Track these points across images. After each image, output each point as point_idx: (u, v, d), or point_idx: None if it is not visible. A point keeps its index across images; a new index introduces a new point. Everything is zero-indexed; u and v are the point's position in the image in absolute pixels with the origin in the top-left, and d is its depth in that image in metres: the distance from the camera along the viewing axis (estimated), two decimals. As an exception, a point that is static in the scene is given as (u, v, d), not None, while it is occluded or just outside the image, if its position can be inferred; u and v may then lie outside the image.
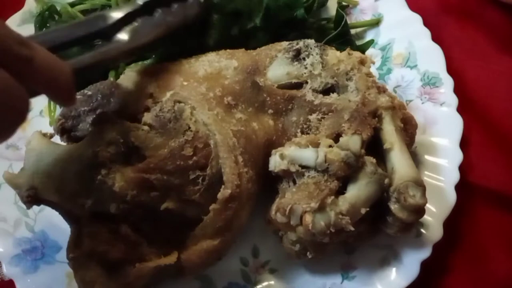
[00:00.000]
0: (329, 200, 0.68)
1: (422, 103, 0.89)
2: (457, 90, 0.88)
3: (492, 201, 0.88)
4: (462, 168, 0.83)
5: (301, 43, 0.80)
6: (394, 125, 0.75)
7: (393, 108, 0.76)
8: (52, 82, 0.50)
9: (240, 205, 0.69)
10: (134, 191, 0.67)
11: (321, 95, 0.77)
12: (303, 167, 0.71)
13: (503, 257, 0.85)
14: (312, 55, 0.79)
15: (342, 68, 0.78)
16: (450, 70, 0.90)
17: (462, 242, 0.85)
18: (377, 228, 0.75)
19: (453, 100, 0.88)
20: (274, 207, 0.72)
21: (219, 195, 0.68)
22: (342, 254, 0.79)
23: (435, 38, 0.93)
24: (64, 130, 0.74)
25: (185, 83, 0.74)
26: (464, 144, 0.85)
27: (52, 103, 0.91)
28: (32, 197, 0.68)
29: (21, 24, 0.96)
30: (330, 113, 0.75)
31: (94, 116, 0.73)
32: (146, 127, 0.70)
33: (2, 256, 0.80)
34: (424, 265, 0.77)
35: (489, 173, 0.90)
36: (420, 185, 0.71)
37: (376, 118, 0.75)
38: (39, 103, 0.92)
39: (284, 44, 0.81)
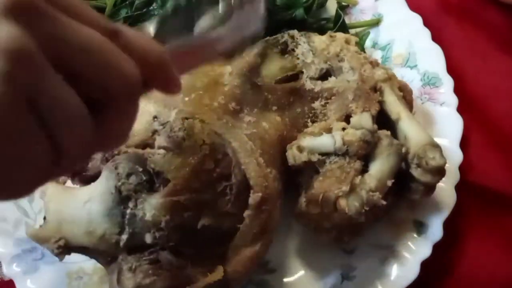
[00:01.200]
0: (357, 180, 0.69)
1: (422, 103, 0.89)
2: (457, 90, 0.89)
3: (492, 201, 0.88)
4: (462, 168, 0.83)
5: (286, 36, 0.81)
6: (395, 94, 0.77)
7: (389, 79, 0.78)
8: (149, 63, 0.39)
9: (272, 206, 0.69)
10: (167, 216, 0.66)
11: (319, 81, 0.78)
12: (323, 154, 0.71)
13: (504, 257, 0.85)
14: (300, 44, 0.80)
15: (332, 51, 0.79)
16: (450, 70, 0.90)
17: (462, 242, 0.85)
18: (401, 198, 0.77)
19: (453, 100, 0.88)
20: (303, 200, 0.72)
21: (251, 200, 0.68)
22: (342, 254, 0.79)
23: (435, 38, 0.93)
24: (74, 173, 0.72)
25: (186, 98, 0.73)
26: (464, 144, 0.86)
27: None
28: (62, 247, 0.66)
29: None
30: (333, 97, 0.76)
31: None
32: (161, 151, 0.69)
33: (2, 256, 0.78)
34: (424, 265, 0.77)
35: (489, 173, 0.89)
36: (437, 146, 0.73)
37: (378, 92, 0.76)
38: None
39: (270, 39, 0.81)
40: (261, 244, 0.69)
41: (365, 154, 0.71)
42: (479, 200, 0.88)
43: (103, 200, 0.66)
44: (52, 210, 0.66)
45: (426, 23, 0.95)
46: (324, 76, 0.78)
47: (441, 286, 0.83)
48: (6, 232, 0.80)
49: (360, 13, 1.00)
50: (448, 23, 1.02)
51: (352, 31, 0.96)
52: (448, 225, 0.79)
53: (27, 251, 0.79)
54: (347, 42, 0.82)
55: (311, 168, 0.73)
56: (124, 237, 0.66)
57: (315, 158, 0.71)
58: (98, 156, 0.71)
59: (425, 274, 0.77)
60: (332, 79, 0.78)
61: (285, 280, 0.79)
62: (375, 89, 0.76)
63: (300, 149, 0.72)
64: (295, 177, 0.75)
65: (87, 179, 0.71)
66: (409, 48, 0.94)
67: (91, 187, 0.69)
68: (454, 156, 0.84)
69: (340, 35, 0.83)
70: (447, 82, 0.90)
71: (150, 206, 0.66)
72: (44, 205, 0.67)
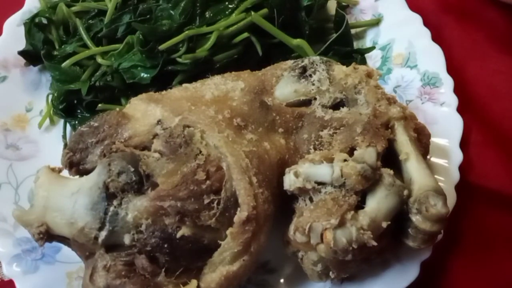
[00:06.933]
0: (349, 215, 0.66)
1: (422, 103, 0.88)
2: (457, 90, 0.88)
3: (492, 201, 0.88)
4: (462, 168, 0.83)
5: (306, 60, 0.80)
6: (407, 135, 0.74)
7: (405, 118, 0.75)
8: None
9: (258, 227, 0.67)
10: (148, 220, 0.65)
11: (331, 110, 0.76)
12: (319, 183, 0.69)
13: (504, 256, 0.84)
14: (318, 71, 0.78)
15: (350, 82, 0.77)
16: (450, 70, 0.90)
17: (462, 242, 0.85)
18: (399, 242, 0.73)
19: (453, 100, 0.87)
20: (292, 227, 0.69)
21: (236, 218, 0.66)
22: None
23: (435, 38, 0.93)
24: (72, 164, 0.73)
25: (193, 108, 0.73)
26: (464, 144, 0.85)
27: (51, 103, 0.92)
28: (43, 233, 0.66)
29: (21, 24, 0.97)
30: (341, 128, 0.74)
31: (102, 147, 0.71)
32: (156, 154, 0.69)
33: (2, 256, 0.80)
34: (424, 265, 0.76)
35: (489, 173, 0.89)
36: (441, 194, 0.69)
37: (389, 130, 0.73)
38: (39, 103, 0.93)
39: (289, 62, 0.81)
40: (240, 264, 0.67)
41: (362, 190, 0.68)
42: (479, 200, 0.88)
43: (89, 194, 0.66)
44: (41, 195, 0.67)
45: (426, 23, 0.95)
46: (337, 105, 0.76)
47: (441, 286, 0.83)
48: (6, 232, 0.81)
49: (360, 13, 1.00)
50: (448, 23, 1.03)
51: (352, 31, 0.96)
52: (448, 225, 0.76)
53: (27, 251, 0.81)
54: (369, 75, 0.79)
55: (305, 195, 0.70)
56: (103, 233, 0.66)
57: (309, 185, 0.69)
58: (97, 150, 0.72)
59: (425, 274, 0.76)
60: (344, 110, 0.76)
61: (285, 280, 0.79)
62: (387, 126, 0.73)
63: (297, 175, 0.70)
64: (290, 203, 0.73)
65: (84, 171, 0.72)
66: (409, 48, 0.93)
67: (82, 179, 0.69)
68: (454, 156, 0.83)
69: (363, 67, 0.81)
70: (447, 82, 0.89)
71: (134, 207, 0.66)
72: (34, 189, 0.68)
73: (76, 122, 0.93)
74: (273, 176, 0.72)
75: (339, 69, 0.79)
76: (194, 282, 0.67)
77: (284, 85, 0.78)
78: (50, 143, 0.92)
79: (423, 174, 0.71)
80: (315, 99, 0.77)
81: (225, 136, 0.70)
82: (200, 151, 0.69)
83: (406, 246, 0.72)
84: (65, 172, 0.73)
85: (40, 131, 0.93)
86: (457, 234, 0.84)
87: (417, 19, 0.95)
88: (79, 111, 0.94)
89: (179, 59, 0.89)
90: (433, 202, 0.68)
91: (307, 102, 0.77)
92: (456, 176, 0.81)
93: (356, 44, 0.97)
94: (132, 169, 0.67)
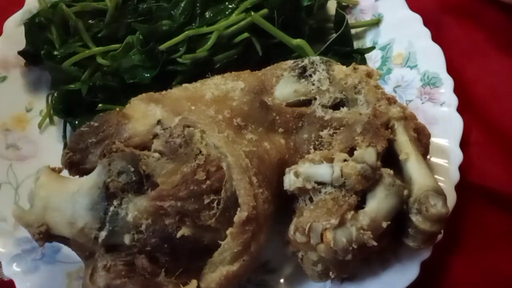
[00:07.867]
0: (349, 215, 0.66)
1: (422, 103, 0.88)
2: (457, 90, 0.88)
3: (492, 201, 0.88)
4: (462, 168, 0.82)
5: (306, 60, 0.80)
6: (407, 135, 0.74)
7: (405, 118, 0.75)
8: None
9: (257, 227, 0.67)
10: (148, 220, 0.65)
11: (331, 110, 0.76)
12: (319, 183, 0.69)
13: (503, 257, 0.84)
14: (318, 71, 0.78)
15: (350, 82, 0.77)
16: (450, 70, 0.90)
17: (462, 242, 0.85)
18: (399, 242, 0.73)
19: (453, 100, 0.87)
20: (292, 227, 0.69)
21: (236, 218, 0.66)
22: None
23: (435, 38, 0.93)
24: (72, 164, 0.73)
25: (193, 107, 0.73)
26: (464, 144, 0.85)
27: (51, 102, 0.94)
28: (43, 233, 0.66)
29: (21, 24, 0.97)
30: (341, 128, 0.74)
31: (102, 147, 0.71)
32: (156, 154, 0.69)
33: (2, 256, 0.80)
34: (424, 265, 0.76)
35: (489, 173, 0.89)
36: (441, 194, 0.69)
37: (389, 130, 0.73)
38: (39, 103, 0.94)
39: (289, 62, 0.81)
40: (240, 264, 0.67)
41: (363, 190, 0.68)
42: (479, 200, 0.87)
43: (89, 194, 0.66)
44: (41, 195, 0.67)
45: (426, 23, 0.94)
46: (337, 105, 0.77)
47: (441, 286, 0.83)
48: (6, 232, 0.82)
49: (360, 13, 1.00)
50: (448, 23, 1.03)
51: (353, 31, 0.96)
52: (448, 224, 0.76)
53: (27, 251, 0.81)
54: (369, 75, 0.79)
55: (305, 195, 0.70)
56: (103, 233, 0.66)
57: (309, 185, 0.69)
58: (97, 150, 0.72)
59: (425, 274, 0.76)
60: (344, 110, 0.76)
61: (285, 280, 0.79)
62: (387, 126, 0.73)
63: (297, 175, 0.70)
64: (290, 203, 0.73)
65: (84, 171, 0.72)
66: (409, 48, 0.93)
67: (82, 179, 0.69)
68: (454, 156, 0.83)
69: (363, 67, 0.81)
70: (447, 82, 0.89)
71: (134, 207, 0.66)
72: (34, 189, 0.68)
73: (76, 122, 0.93)
74: (273, 176, 0.72)
75: (339, 69, 0.79)
76: (194, 282, 0.67)
77: (284, 85, 0.78)
78: (50, 143, 0.92)
79: (423, 174, 0.71)
80: (315, 99, 0.77)
81: (225, 136, 0.70)
82: (200, 151, 0.69)
83: (406, 246, 0.72)
84: (65, 172, 0.73)
85: (40, 131, 0.93)
86: (457, 234, 0.84)
87: (417, 19, 0.95)
88: (79, 111, 0.94)
89: (179, 59, 0.89)
90: (433, 202, 0.68)
91: (307, 102, 0.77)
92: (456, 176, 0.81)
93: (356, 44, 0.97)
94: (132, 169, 0.67)
